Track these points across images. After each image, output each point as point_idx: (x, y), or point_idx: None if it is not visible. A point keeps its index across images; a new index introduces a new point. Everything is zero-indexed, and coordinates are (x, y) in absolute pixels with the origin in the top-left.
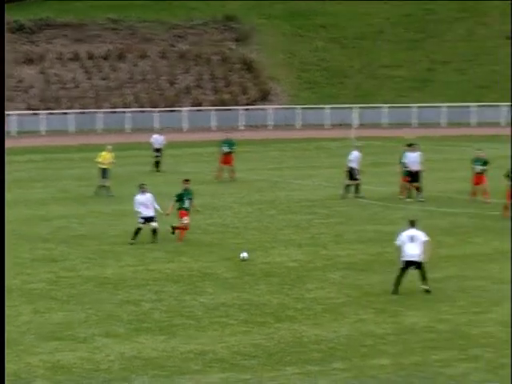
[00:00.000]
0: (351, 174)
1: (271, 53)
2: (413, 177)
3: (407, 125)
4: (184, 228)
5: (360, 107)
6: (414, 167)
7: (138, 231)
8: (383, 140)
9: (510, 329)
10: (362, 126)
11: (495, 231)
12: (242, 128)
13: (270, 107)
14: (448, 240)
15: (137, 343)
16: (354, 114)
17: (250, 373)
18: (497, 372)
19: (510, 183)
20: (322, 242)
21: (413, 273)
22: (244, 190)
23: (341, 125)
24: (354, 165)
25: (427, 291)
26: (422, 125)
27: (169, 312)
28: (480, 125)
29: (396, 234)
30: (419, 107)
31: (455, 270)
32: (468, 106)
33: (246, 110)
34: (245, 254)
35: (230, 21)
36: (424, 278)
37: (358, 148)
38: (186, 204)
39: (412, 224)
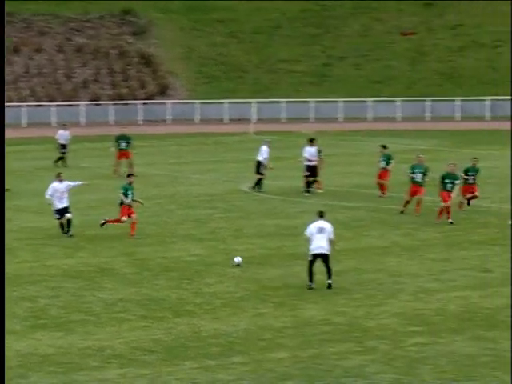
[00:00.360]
0: (258, 167)
1: (169, 47)
2: (311, 171)
3: (305, 119)
4: (119, 221)
5: (258, 102)
6: (312, 161)
7: (61, 225)
8: (281, 135)
9: (509, 329)
10: (260, 120)
11: (391, 225)
12: (141, 123)
13: (168, 102)
14: (346, 233)
15: (33, 340)
16: (253, 109)
17: (149, 368)
18: (392, 364)
19: (462, 180)
20: (221, 237)
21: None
22: (143, 185)
23: (239, 119)
24: (261, 159)
25: (329, 286)
26: (319, 119)
27: (66, 308)
28: (376, 119)
29: (295, 227)
30: (317, 102)
31: (352, 263)
32: (364, 101)
33: (145, 104)
34: (239, 259)
35: (128, 14)
36: (329, 273)
37: (267, 143)
38: (129, 199)
39: (320, 215)
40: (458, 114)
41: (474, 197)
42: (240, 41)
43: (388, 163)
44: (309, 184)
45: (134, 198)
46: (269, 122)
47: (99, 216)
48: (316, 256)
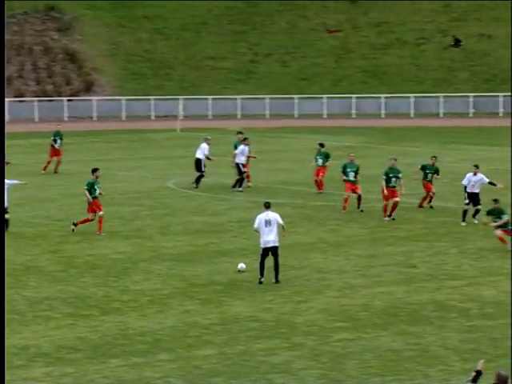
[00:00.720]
0: (197, 165)
1: (95, 43)
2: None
3: (232, 116)
4: (91, 220)
5: (185, 99)
6: (243, 160)
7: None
8: (208, 131)
9: (509, 328)
10: (187, 117)
11: (317, 221)
12: (66, 119)
13: (94, 98)
14: None
15: None
16: (180, 106)
17: (75, 366)
18: (318, 359)
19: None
20: (148, 234)
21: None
22: (69, 182)
23: (166, 116)
24: (201, 156)
25: (277, 281)
26: (246, 116)
27: None
28: (302, 116)
29: (222, 224)
30: (243, 99)
31: (279, 259)
32: (291, 98)
33: (70, 101)
34: (242, 265)
35: (52, 10)
36: (276, 268)
37: (206, 140)
38: (97, 193)
39: (267, 206)
40: (383, 111)
41: (431, 198)
42: (166, 37)
43: (325, 161)
44: (241, 181)
45: (101, 192)
46: (195, 119)
47: (24, 214)
48: (266, 250)
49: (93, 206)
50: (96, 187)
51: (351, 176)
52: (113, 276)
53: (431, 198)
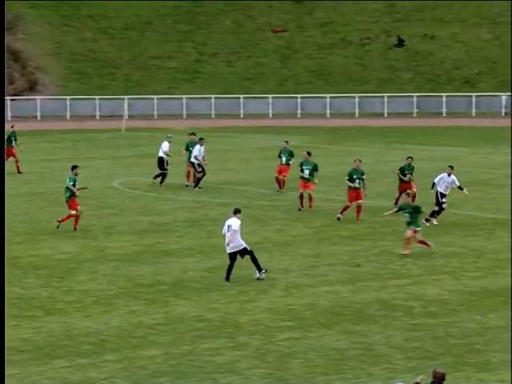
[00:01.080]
0: (160, 163)
1: (38, 42)
2: (202, 168)
3: (178, 116)
4: (73, 216)
5: (130, 98)
6: (201, 160)
7: None
8: (154, 131)
9: (509, 329)
10: (132, 117)
11: (263, 221)
12: (10, 119)
13: (38, 98)
14: (218, 230)
15: None
16: (125, 106)
17: (19, 367)
18: (264, 359)
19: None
20: (93, 234)
21: (182, 262)
22: (12, 182)
23: (111, 116)
24: (162, 155)
25: (260, 270)
26: (191, 116)
27: None
28: (248, 116)
29: (168, 224)
30: (189, 98)
31: (225, 259)
32: (236, 98)
33: (13, 100)
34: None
35: None
36: (255, 266)
37: (168, 138)
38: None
39: (234, 212)
40: (328, 111)
41: (413, 197)
42: (111, 37)
43: (289, 159)
44: (199, 180)
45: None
46: (141, 119)
47: None
48: (230, 255)
49: (72, 203)
50: (75, 183)
51: (306, 174)
52: (57, 276)
53: (413, 197)
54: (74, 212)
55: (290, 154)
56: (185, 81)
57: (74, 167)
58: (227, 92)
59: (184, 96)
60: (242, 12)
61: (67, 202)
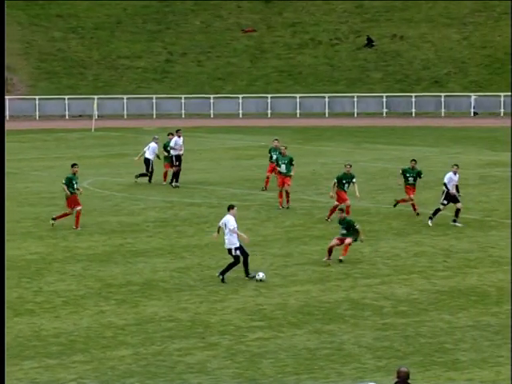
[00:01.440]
0: (146, 164)
1: (7, 42)
2: (179, 161)
3: (147, 116)
4: (69, 214)
5: (99, 98)
6: (180, 151)
7: None
8: (123, 131)
9: (509, 327)
10: (101, 117)
11: None
12: None
13: (7, 98)
14: (188, 230)
15: None
16: (94, 105)
17: None
18: (234, 359)
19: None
20: (62, 234)
21: (153, 262)
22: None
23: (81, 116)
24: (150, 156)
25: (247, 275)
26: (161, 116)
27: None
28: (218, 116)
29: (137, 224)
30: (159, 98)
31: (195, 259)
32: (206, 98)
33: None
34: (260, 275)
35: None
36: (245, 269)
37: (155, 139)
38: (75, 188)
39: (228, 209)
40: (298, 111)
41: (413, 205)
42: (80, 36)
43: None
44: (177, 175)
45: (78, 187)
46: (110, 119)
47: None
48: (229, 251)
49: (70, 201)
50: (74, 182)
51: (283, 169)
52: (26, 277)
53: (413, 204)
54: (70, 210)
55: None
56: (154, 80)
57: (73, 165)
58: (197, 92)
59: (154, 96)
60: (211, 12)
61: (66, 199)
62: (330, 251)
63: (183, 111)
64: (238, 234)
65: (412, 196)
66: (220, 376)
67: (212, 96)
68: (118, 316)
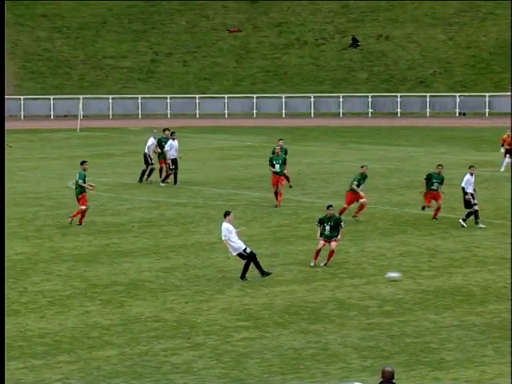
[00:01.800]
0: (145, 160)
1: None
2: (175, 164)
3: (133, 116)
4: (83, 211)
5: (85, 98)
6: (176, 155)
7: None
8: (108, 131)
9: (509, 327)
10: (87, 117)
11: (218, 221)
12: None
13: None
14: (174, 230)
15: None
16: (80, 105)
17: None
18: (220, 359)
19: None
20: (47, 234)
21: (138, 262)
22: None
23: (66, 116)
24: (149, 151)
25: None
26: (147, 116)
27: None
28: (204, 116)
29: (123, 225)
30: (144, 98)
31: (181, 259)
32: (192, 98)
33: None
34: (394, 274)
35: None
36: (258, 268)
37: (154, 134)
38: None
39: (224, 215)
40: (284, 111)
41: (438, 209)
42: (66, 36)
43: (283, 168)
44: (172, 176)
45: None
46: (96, 119)
47: None
48: (240, 255)
49: (83, 199)
50: (85, 179)
51: (277, 168)
52: (12, 277)
53: (437, 210)
54: (83, 207)
55: (284, 162)
56: (139, 80)
57: (83, 162)
58: (183, 92)
59: (139, 96)
60: (197, 12)
61: (77, 197)
62: (317, 254)
63: (169, 111)
64: (227, 244)
65: (440, 202)
66: (206, 376)
67: (198, 96)
68: (104, 316)
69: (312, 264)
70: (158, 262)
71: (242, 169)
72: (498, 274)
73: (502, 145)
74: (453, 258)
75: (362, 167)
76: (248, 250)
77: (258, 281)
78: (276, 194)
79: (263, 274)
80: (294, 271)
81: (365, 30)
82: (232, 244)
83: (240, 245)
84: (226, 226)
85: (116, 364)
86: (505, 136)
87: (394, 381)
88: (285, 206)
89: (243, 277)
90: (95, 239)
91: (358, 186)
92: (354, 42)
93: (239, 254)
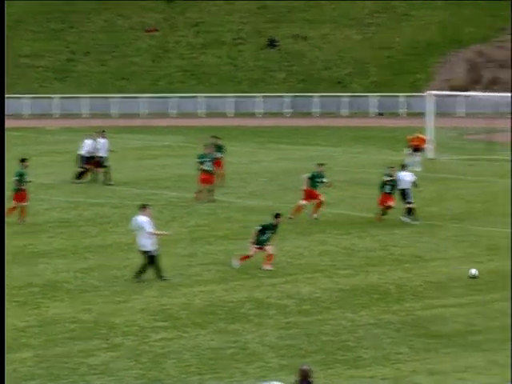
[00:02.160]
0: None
1: None
2: (104, 162)
3: (49, 115)
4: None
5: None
6: (103, 153)
7: None
8: (24, 131)
9: (509, 327)
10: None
11: None
12: None
13: None
14: (92, 230)
15: None
16: None
17: None
18: (138, 359)
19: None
20: None
21: (55, 263)
22: None
23: None
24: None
25: (163, 279)
26: (64, 115)
27: None
28: (121, 116)
29: (39, 225)
30: (61, 98)
31: (99, 259)
32: (109, 97)
33: None
34: (473, 271)
35: None
36: (156, 271)
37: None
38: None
39: (140, 209)
40: (201, 111)
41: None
42: None
43: (221, 153)
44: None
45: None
46: (11, 118)
47: None
48: (142, 252)
49: (17, 196)
50: (25, 177)
51: (207, 166)
52: None
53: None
54: (15, 202)
55: (220, 149)
56: (56, 80)
57: (23, 160)
58: (100, 91)
59: (55, 95)
60: (114, 11)
61: (13, 193)
62: (245, 259)
63: (86, 111)
64: (157, 234)
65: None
66: (124, 377)
67: (114, 95)
68: (19, 318)
69: (236, 265)
70: (75, 262)
71: (160, 169)
72: (413, 272)
73: (410, 146)
74: (369, 256)
75: (318, 165)
76: (152, 254)
77: (176, 281)
78: (201, 191)
79: (161, 277)
80: (212, 271)
81: (282, 30)
82: (142, 239)
83: (148, 244)
84: (146, 219)
85: (32, 366)
86: (410, 136)
87: (310, 379)
88: (203, 205)
89: (138, 276)
90: (12, 240)
91: (314, 184)
92: (272, 43)
93: (143, 252)
